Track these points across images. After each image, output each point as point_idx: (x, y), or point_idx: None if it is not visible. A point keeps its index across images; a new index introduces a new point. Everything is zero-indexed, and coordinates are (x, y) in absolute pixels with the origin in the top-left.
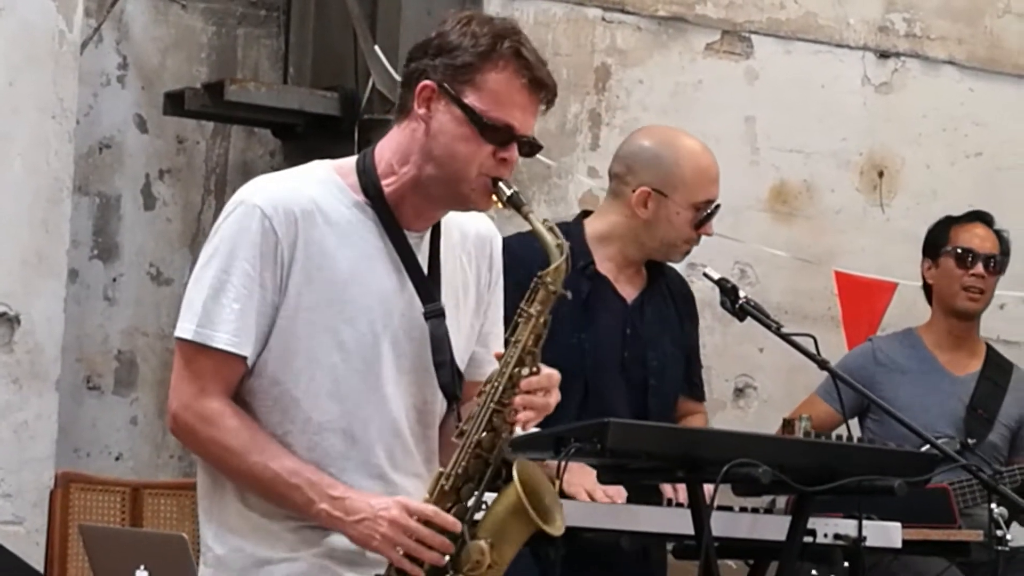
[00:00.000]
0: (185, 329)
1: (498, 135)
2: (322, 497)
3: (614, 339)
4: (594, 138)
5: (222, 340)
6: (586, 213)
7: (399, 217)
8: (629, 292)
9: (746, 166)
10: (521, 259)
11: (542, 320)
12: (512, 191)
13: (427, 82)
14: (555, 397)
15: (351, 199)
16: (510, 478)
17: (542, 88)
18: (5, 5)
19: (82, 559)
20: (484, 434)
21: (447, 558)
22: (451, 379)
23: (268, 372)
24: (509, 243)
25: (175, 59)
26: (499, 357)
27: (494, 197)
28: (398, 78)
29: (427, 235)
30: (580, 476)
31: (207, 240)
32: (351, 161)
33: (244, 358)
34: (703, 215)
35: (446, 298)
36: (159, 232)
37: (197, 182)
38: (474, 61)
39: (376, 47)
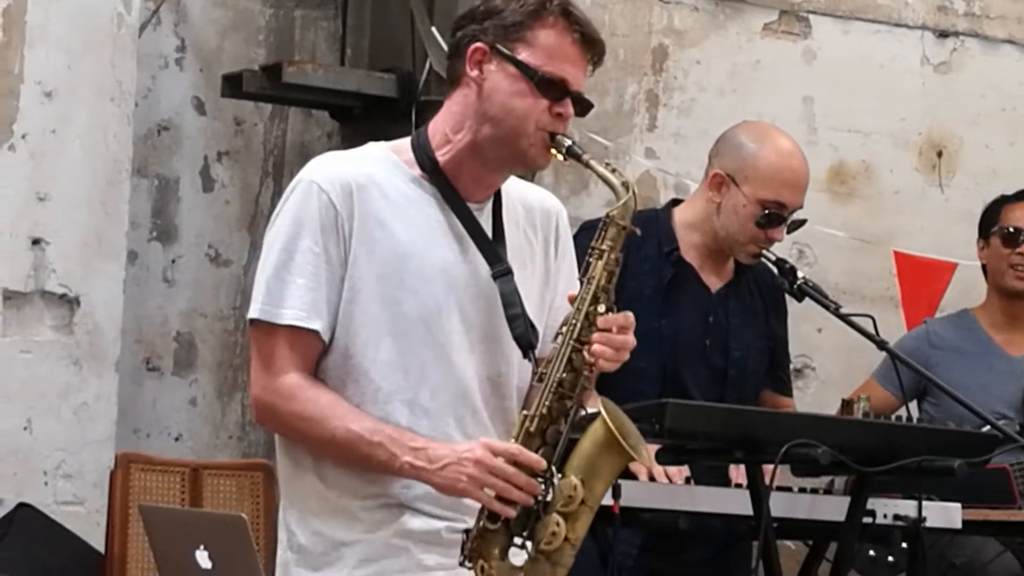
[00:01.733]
0: (253, 310)
1: (553, 89)
2: (404, 450)
3: (696, 327)
4: (651, 119)
5: (289, 316)
6: (677, 201)
7: (458, 188)
8: (714, 281)
9: (804, 146)
10: None
11: (614, 257)
12: (570, 142)
13: (478, 44)
14: (632, 338)
15: (408, 174)
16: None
17: (592, 44)
18: None
19: (142, 539)
20: (565, 374)
21: (537, 499)
22: (525, 330)
23: (339, 346)
24: (594, 225)
25: (233, 41)
26: (573, 299)
27: (553, 151)
28: None
29: (488, 206)
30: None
31: (269, 224)
32: (406, 140)
33: (315, 332)
34: (767, 215)
35: (516, 266)
36: (217, 214)
37: (255, 164)
38: (524, 20)
39: (433, 28)
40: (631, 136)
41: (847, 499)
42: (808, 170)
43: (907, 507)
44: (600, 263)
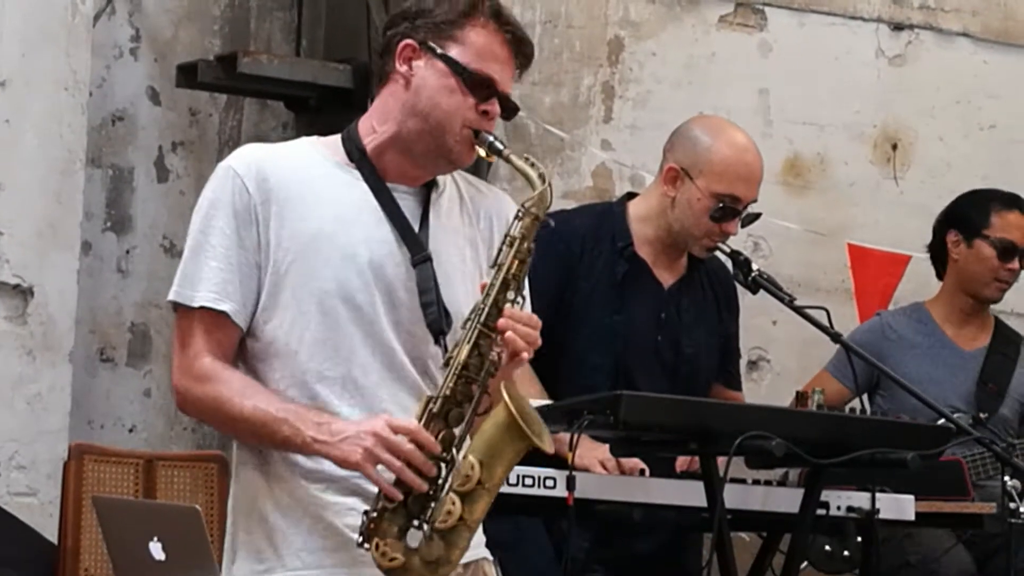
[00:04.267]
0: (170, 293)
1: (481, 87)
2: (308, 425)
3: (648, 323)
4: (607, 111)
5: (200, 298)
6: (632, 195)
7: (382, 174)
8: (666, 277)
9: (759, 139)
10: (560, 235)
11: (526, 246)
12: (492, 138)
13: (408, 41)
14: (536, 334)
15: (333, 161)
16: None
17: (521, 45)
18: None
19: (95, 531)
20: (471, 358)
21: (433, 481)
22: (437, 317)
23: (264, 330)
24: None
25: (188, 31)
26: (484, 287)
27: (476, 148)
28: None
29: (417, 193)
30: (592, 450)
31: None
32: (337, 136)
33: (226, 314)
34: (721, 208)
35: (448, 256)
36: (172, 204)
37: (210, 154)
38: (455, 18)
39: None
40: (587, 128)
41: (801, 491)
42: (762, 164)
43: (861, 499)
44: (511, 251)
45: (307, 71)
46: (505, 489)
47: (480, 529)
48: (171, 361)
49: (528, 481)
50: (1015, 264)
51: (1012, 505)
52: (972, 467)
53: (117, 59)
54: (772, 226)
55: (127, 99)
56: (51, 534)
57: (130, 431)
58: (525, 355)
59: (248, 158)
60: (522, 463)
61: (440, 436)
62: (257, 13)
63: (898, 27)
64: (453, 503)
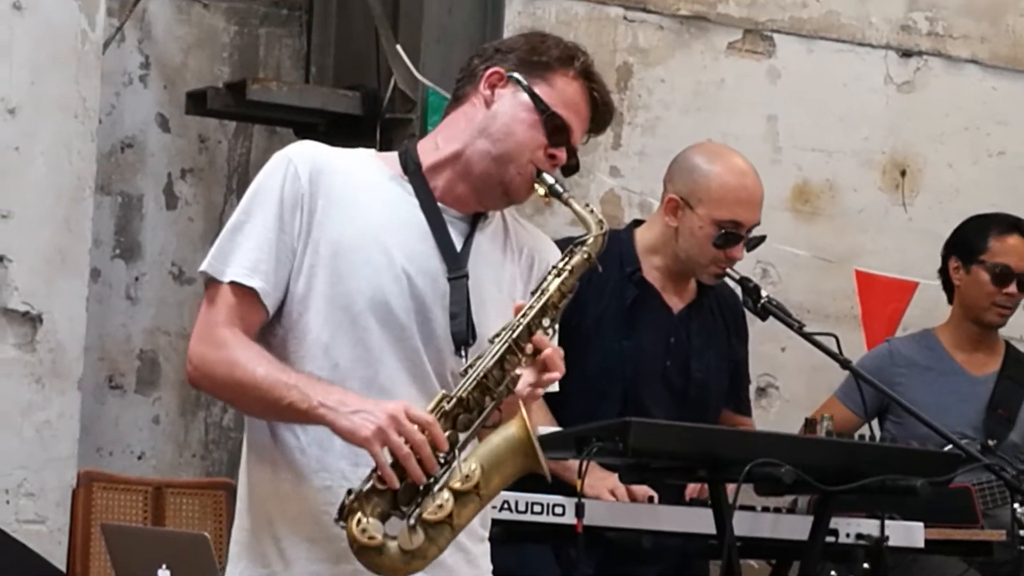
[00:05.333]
0: (203, 264)
1: (558, 131)
2: (318, 392)
3: (657, 348)
4: (616, 137)
5: (230, 273)
6: (639, 222)
7: (434, 191)
8: (676, 302)
9: (768, 165)
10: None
11: (571, 282)
12: (553, 180)
13: (497, 68)
14: (562, 368)
15: (387, 173)
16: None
17: (604, 109)
18: (28, 4)
19: (104, 558)
20: (494, 370)
21: (430, 478)
22: (462, 328)
23: (296, 318)
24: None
25: (197, 59)
26: (519, 309)
27: (536, 186)
28: (420, 77)
29: (466, 219)
30: (602, 479)
31: None
32: (395, 152)
33: (255, 291)
34: (724, 235)
35: (484, 282)
36: (181, 232)
37: (219, 181)
38: (549, 62)
39: (398, 46)
40: (595, 154)
41: (810, 518)
42: (762, 186)
43: (870, 526)
44: (557, 280)
45: (316, 98)
46: (514, 516)
47: (487, 559)
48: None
49: (537, 508)
50: (1012, 289)
51: (1022, 532)
52: (981, 494)
53: (127, 86)
54: (781, 252)
55: (136, 126)
56: (60, 562)
57: (139, 458)
58: (553, 382)
59: (306, 150)
60: (531, 490)
61: (447, 436)
62: (266, 40)
63: (907, 54)
64: (446, 499)
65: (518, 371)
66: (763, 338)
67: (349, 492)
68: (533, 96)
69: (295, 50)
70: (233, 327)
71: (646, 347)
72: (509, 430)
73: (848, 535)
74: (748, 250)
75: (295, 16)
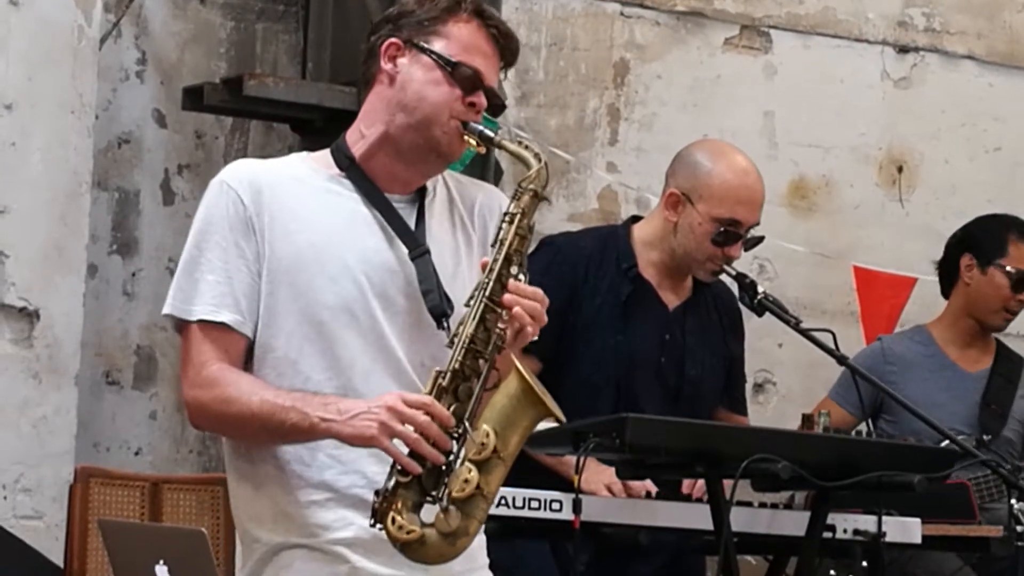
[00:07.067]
0: (166, 307)
1: (467, 79)
2: (315, 407)
3: (652, 344)
4: (612, 133)
5: (198, 311)
6: (637, 218)
7: (374, 181)
8: (671, 299)
9: (764, 161)
10: (566, 256)
11: (526, 223)
12: (481, 127)
13: (392, 39)
14: (542, 310)
15: (325, 174)
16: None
17: (507, 40)
18: (24, 1)
19: (101, 554)
20: (478, 332)
21: (447, 455)
22: (439, 302)
23: (263, 340)
24: (554, 241)
25: (194, 54)
26: (485, 265)
27: (466, 138)
28: None
29: (411, 200)
30: (598, 473)
31: None
32: (326, 149)
33: (226, 324)
34: (723, 232)
35: (443, 256)
36: (178, 227)
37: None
38: (439, 15)
39: None
40: (592, 150)
41: (807, 514)
42: (763, 187)
43: (867, 522)
44: (512, 227)
45: (313, 94)
46: (511, 512)
47: (484, 552)
48: (180, 380)
49: (534, 504)
50: None
51: (1019, 528)
52: (978, 490)
53: (123, 82)
54: (778, 248)
55: (133, 122)
56: (57, 557)
57: (136, 454)
58: (530, 330)
59: (240, 172)
60: (527, 486)
61: (451, 410)
62: (263, 36)
63: (903, 50)
64: (470, 472)
65: (502, 325)
66: (760, 334)
67: (376, 493)
68: (432, 54)
69: (291, 46)
70: (220, 363)
71: (640, 343)
72: (510, 386)
73: (845, 531)
74: (746, 249)
75: (291, 12)
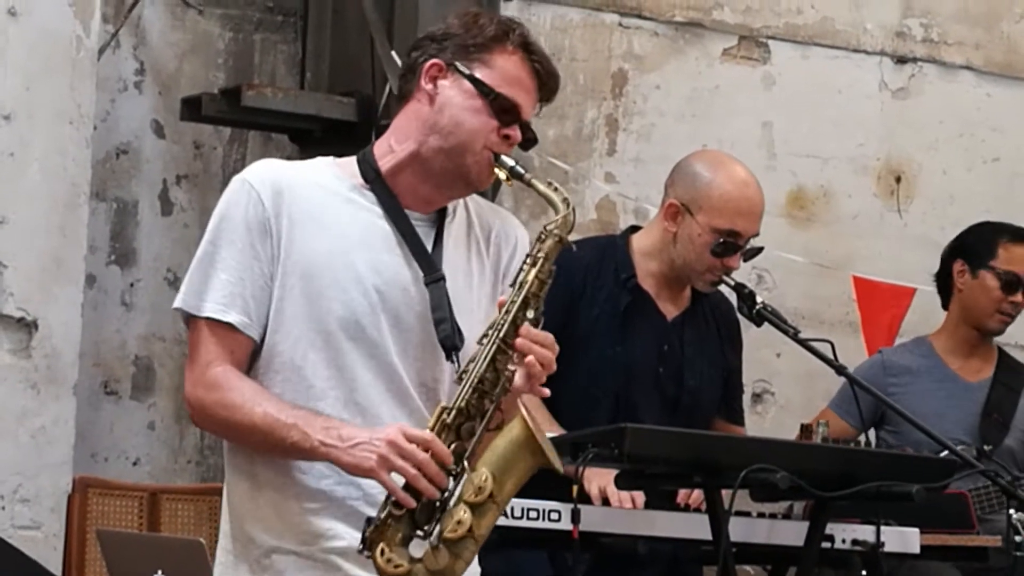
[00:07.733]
0: (176, 300)
1: (506, 111)
2: (317, 430)
3: (650, 355)
4: (611, 143)
5: (208, 308)
6: (636, 228)
7: (398, 197)
8: (670, 310)
9: (763, 171)
10: (564, 266)
11: (547, 267)
12: (513, 162)
13: (435, 60)
14: (551, 357)
15: (349, 183)
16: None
17: (548, 78)
18: (22, 10)
19: (99, 564)
20: (487, 373)
21: (442, 492)
22: (450, 333)
23: (270, 343)
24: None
25: (192, 65)
26: (503, 304)
27: (496, 171)
28: None
29: (432, 219)
30: (597, 473)
31: None
32: (352, 157)
33: (233, 325)
34: (722, 243)
35: (456, 280)
36: (176, 238)
37: (214, 188)
38: (485, 43)
39: (393, 52)
40: (591, 161)
41: (806, 524)
42: (763, 198)
43: (866, 532)
44: (533, 270)
45: (311, 104)
46: (509, 522)
47: (476, 562)
48: (183, 376)
49: (533, 514)
50: (1018, 297)
51: (1017, 538)
52: (977, 500)
53: (121, 92)
54: (776, 258)
55: (131, 132)
56: (55, 568)
57: (134, 464)
58: (542, 379)
59: (263, 172)
60: (527, 496)
61: (452, 448)
62: (261, 46)
63: (901, 60)
64: (464, 513)
65: (511, 367)
66: (758, 344)
67: (368, 521)
68: (474, 81)
69: (290, 56)
70: (224, 363)
71: (638, 354)
72: (512, 432)
73: (844, 541)
74: (745, 260)
75: (290, 22)
